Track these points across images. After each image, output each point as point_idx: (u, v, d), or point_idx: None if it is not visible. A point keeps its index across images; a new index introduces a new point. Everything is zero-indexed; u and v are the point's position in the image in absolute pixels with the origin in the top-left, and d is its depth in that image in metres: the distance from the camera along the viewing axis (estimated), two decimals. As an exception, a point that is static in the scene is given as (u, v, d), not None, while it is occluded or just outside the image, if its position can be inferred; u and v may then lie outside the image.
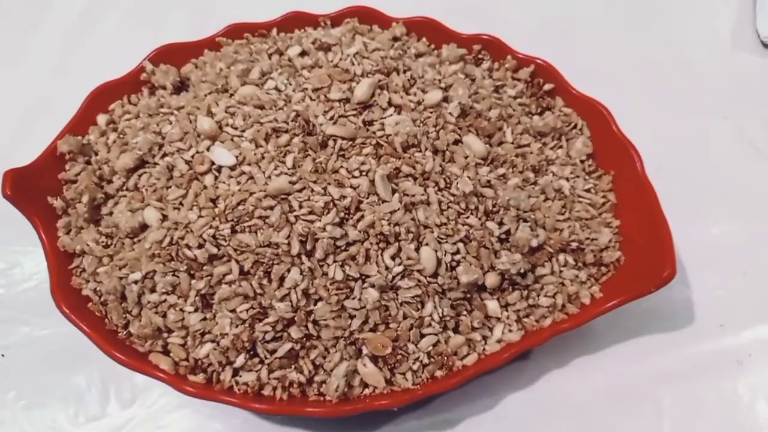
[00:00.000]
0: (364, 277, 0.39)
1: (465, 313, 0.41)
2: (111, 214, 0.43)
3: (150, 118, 0.46)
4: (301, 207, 0.39)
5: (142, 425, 0.45)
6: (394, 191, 0.40)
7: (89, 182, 0.43)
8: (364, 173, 0.41)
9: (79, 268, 0.43)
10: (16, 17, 0.68)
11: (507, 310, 0.42)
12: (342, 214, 0.39)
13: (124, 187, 0.44)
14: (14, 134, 0.57)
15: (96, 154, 0.46)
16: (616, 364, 0.47)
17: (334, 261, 0.39)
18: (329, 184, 0.40)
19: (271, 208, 0.39)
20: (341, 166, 0.41)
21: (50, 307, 0.43)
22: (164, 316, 0.40)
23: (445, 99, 0.46)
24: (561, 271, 0.43)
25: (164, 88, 0.50)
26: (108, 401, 0.45)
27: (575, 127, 0.49)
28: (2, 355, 0.47)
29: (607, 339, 0.47)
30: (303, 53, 0.49)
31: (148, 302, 0.40)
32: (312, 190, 0.40)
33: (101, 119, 0.48)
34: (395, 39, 0.52)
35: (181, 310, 0.39)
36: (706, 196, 0.55)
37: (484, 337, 0.41)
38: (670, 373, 0.46)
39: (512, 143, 0.46)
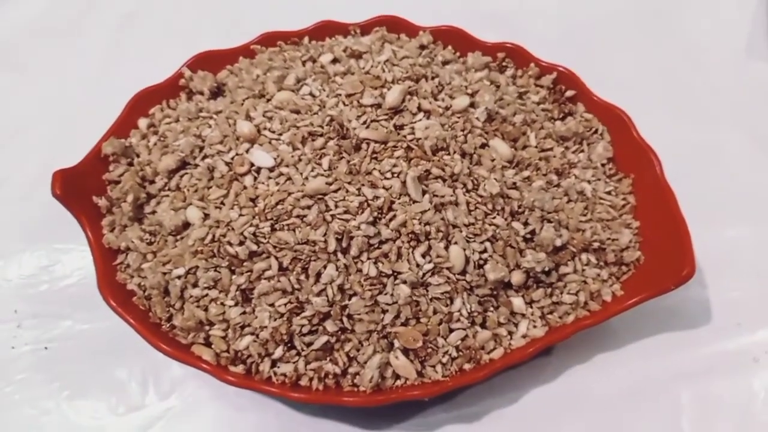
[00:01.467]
0: (396, 273, 0.41)
1: (492, 309, 0.43)
2: (154, 213, 0.45)
3: (190, 122, 0.49)
4: (336, 207, 0.41)
5: (180, 415, 0.46)
6: (424, 192, 0.42)
7: (133, 182, 0.45)
8: (395, 175, 0.42)
9: (123, 264, 0.45)
10: (58, 30, 0.70)
11: (532, 307, 0.44)
12: (375, 214, 0.41)
13: (167, 188, 0.46)
14: (58, 138, 0.59)
15: (138, 156, 0.48)
16: (636, 361, 0.48)
17: (368, 258, 0.41)
18: (363, 185, 0.42)
19: (309, 207, 0.41)
20: (374, 168, 0.43)
21: (91, 302, 0.45)
22: (206, 309, 0.41)
23: (472, 105, 0.48)
24: (583, 270, 0.45)
25: (201, 93, 0.52)
26: (147, 392, 0.47)
27: (596, 132, 0.51)
28: (45, 348, 0.49)
29: (626, 337, 0.49)
30: (335, 60, 0.51)
31: (191, 296, 0.42)
32: (347, 191, 0.42)
33: (142, 123, 0.50)
34: (422, 47, 0.54)
35: (222, 304, 0.41)
36: (721, 200, 0.56)
37: (510, 333, 0.43)
38: (688, 370, 0.47)
39: (536, 147, 0.48)
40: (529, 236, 0.44)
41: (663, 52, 0.68)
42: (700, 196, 0.52)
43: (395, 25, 0.56)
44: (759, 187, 0.58)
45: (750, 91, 0.65)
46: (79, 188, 0.45)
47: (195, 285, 0.42)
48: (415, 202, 0.42)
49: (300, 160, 0.43)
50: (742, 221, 0.55)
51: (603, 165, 0.50)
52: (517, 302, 0.43)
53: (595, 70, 0.53)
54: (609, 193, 0.49)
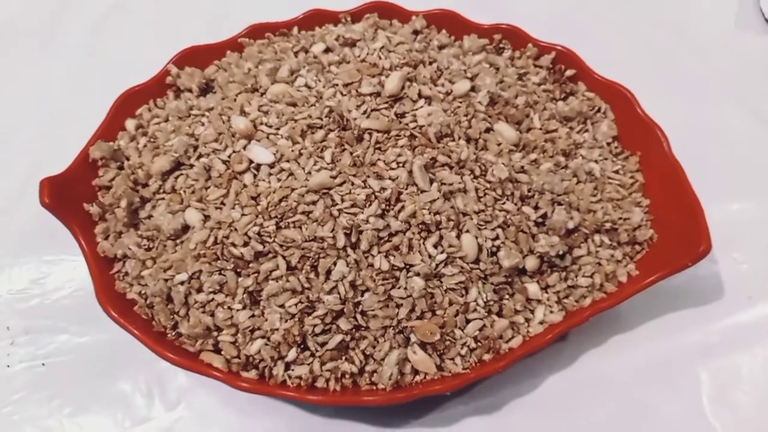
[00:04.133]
0: (408, 266, 0.39)
1: (507, 296, 0.42)
2: (150, 217, 0.43)
3: (180, 121, 0.47)
4: (343, 200, 0.40)
5: (190, 425, 0.45)
6: (431, 181, 0.41)
7: (125, 187, 0.43)
8: (401, 164, 0.41)
9: (120, 273, 0.43)
10: (34, 31, 0.68)
11: (547, 292, 0.43)
12: (383, 206, 0.40)
13: (161, 190, 0.44)
14: (40, 144, 0.57)
15: (128, 159, 0.46)
16: (651, 341, 0.47)
17: (379, 252, 0.39)
18: (368, 176, 0.40)
19: (314, 203, 0.39)
20: (378, 159, 0.41)
21: (87, 314, 0.44)
22: (213, 315, 0.40)
23: (473, 88, 0.46)
24: (597, 251, 0.44)
25: (190, 90, 0.50)
26: (153, 404, 0.45)
27: (599, 110, 0.50)
28: (42, 365, 0.47)
29: (640, 318, 0.48)
30: (327, 50, 0.49)
31: (196, 302, 0.40)
32: (352, 184, 0.40)
33: (130, 124, 0.48)
34: (416, 32, 0.52)
35: (229, 308, 0.40)
36: (723, 174, 0.56)
37: (527, 320, 0.42)
38: (704, 346, 0.47)
39: (540, 129, 0.47)
40: (540, 220, 0.43)
41: (654, 29, 0.67)
42: (702, 171, 0.51)
43: (386, 11, 0.54)
44: (759, 158, 0.57)
45: (741, 63, 0.64)
46: (69, 196, 0.43)
47: (199, 290, 0.40)
48: (423, 191, 0.40)
49: (301, 154, 0.41)
50: (746, 194, 0.55)
51: (608, 144, 0.49)
52: (533, 288, 0.42)
53: (588, 52, 0.52)
54: (617, 172, 0.48)
